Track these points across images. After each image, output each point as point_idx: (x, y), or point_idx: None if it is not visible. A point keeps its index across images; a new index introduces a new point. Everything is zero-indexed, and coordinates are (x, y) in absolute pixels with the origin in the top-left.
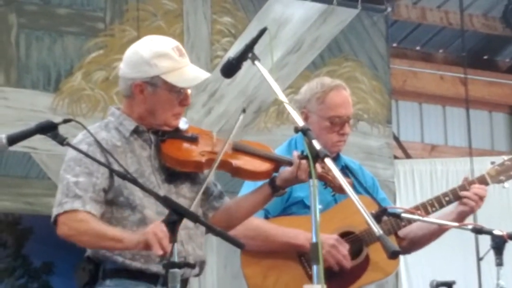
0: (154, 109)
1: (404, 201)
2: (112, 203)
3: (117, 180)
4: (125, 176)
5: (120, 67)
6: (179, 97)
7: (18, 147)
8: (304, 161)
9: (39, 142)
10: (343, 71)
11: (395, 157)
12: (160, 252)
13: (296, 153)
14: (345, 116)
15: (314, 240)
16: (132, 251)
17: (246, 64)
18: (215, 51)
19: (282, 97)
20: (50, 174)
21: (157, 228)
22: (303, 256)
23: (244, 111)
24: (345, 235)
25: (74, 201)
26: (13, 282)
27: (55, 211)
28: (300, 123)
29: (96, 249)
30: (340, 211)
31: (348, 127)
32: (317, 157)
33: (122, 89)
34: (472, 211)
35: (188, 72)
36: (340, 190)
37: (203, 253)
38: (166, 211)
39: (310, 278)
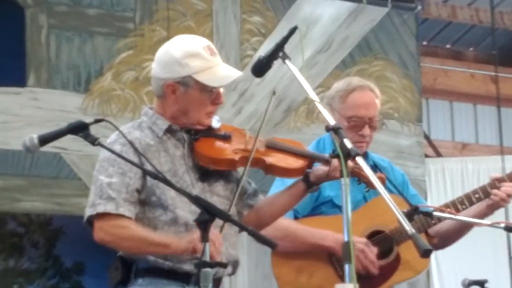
0: (187, 109)
1: (435, 199)
2: (145, 203)
3: (150, 180)
4: (157, 176)
5: (152, 67)
6: (211, 96)
7: (48, 148)
8: (336, 160)
9: (70, 142)
10: (373, 70)
11: (426, 156)
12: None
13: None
14: (365, 117)
15: (346, 239)
16: None
17: (276, 63)
18: (244, 50)
19: (312, 95)
20: (81, 174)
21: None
22: (334, 256)
23: (274, 93)
24: (374, 234)
25: (107, 203)
26: (44, 282)
27: (87, 212)
28: (331, 121)
29: (136, 254)
30: (369, 210)
31: (367, 129)
32: (348, 156)
33: (154, 89)
34: (499, 207)
35: (219, 71)
36: (373, 185)
37: (236, 253)
38: (198, 211)
39: (340, 278)
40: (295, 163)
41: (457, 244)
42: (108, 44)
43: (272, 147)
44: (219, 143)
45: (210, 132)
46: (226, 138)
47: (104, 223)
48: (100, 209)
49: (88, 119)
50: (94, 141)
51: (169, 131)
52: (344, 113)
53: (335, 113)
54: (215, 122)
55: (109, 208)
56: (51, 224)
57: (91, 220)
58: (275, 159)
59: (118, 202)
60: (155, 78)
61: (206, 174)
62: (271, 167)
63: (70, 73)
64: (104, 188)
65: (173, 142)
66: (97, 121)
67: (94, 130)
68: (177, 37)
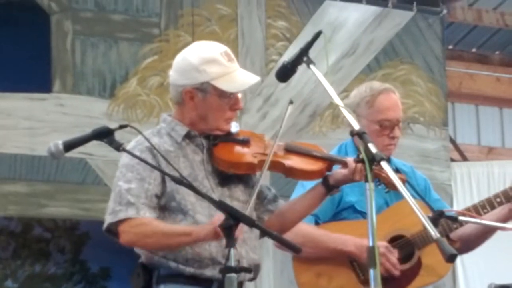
0: (205, 115)
1: (461, 204)
2: (165, 209)
3: (170, 186)
4: (182, 182)
5: (170, 74)
6: (229, 102)
7: (74, 154)
8: (360, 165)
9: (95, 148)
10: (399, 74)
11: (452, 160)
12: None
13: (351, 159)
14: (394, 119)
15: (370, 244)
16: (186, 255)
17: (301, 68)
18: (269, 55)
19: (337, 100)
20: (106, 180)
21: (221, 218)
22: (355, 261)
23: (291, 102)
24: (395, 239)
25: (128, 209)
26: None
27: (108, 219)
28: (356, 126)
29: (163, 249)
30: (391, 215)
31: (398, 130)
32: (373, 160)
33: (173, 96)
34: None
35: (237, 77)
36: (394, 187)
37: (257, 257)
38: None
39: (362, 284)
40: (314, 165)
41: (483, 248)
42: (133, 49)
43: (291, 150)
44: (237, 148)
45: (228, 137)
46: (244, 142)
47: (126, 226)
48: (121, 215)
49: (113, 125)
50: (119, 147)
51: (188, 137)
52: (373, 117)
53: (361, 119)
54: (234, 128)
55: (131, 213)
56: (77, 229)
57: (110, 227)
58: (294, 162)
59: (138, 207)
60: (173, 85)
61: (225, 179)
62: (291, 169)
63: (95, 78)
64: (123, 194)
65: (192, 148)
66: (122, 126)
67: (119, 135)
68: (195, 44)
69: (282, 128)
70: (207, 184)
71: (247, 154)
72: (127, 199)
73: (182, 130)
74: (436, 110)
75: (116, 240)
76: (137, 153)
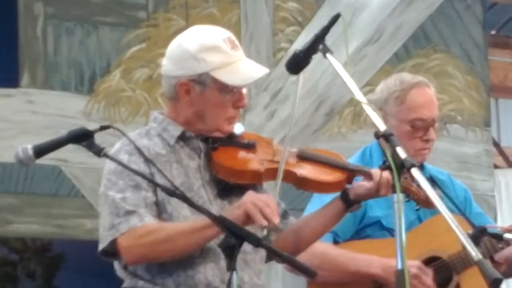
0: (203, 113)
1: (506, 218)
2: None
3: (160, 194)
4: (173, 193)
5: (163, 63)
6: (232, 97)
7: (46, 160)
8: (385, 173)
9: (71, 153)
10: (432, 64)
11: (495, 166)
12: (265, 223)
13: (376, 171)
14: (429, 118)
15: (399, 266)
16: (178, 279)
17: (316, 58)
18: (278, 42)
19: (359, 96)
20: (84, 191)
21: (255, 197)
22: (381, 286)
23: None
24: (430, 261)
25: (129, 219)
26: None
27: (108, 236)
28: (381, 127)
29: (182, 254)
30: (424, 232)
31: (433, 131)
32: (401, 167)
33: (165, 90)
34: None
35: (242, 68)
36: (426, 203)
37: (261, 282)
38: None
39: None
40: (331, 176)
41: None
42: (116, 36)
43: (304, 157)
44: (241, 153)
45: (230, 140)
46: (249, 147)
47: (130, 239)
48: (123, 228)
49: (92, 126)
50: (99, 152)
51: (182, 138)
52: (404, 116)
53: (389, 118)
54: (237, 129)
55: (133, 222)
56: (50, 250)
57: (108, 248)
58: (307, 171)
59: (141, 213)
60: (166, 76)
61: (226, 189)
62: (303, 180)
63: (71, 71)
64: (118, 204)
65: (187, 152)
66: (103, 128)
67: (99, 138)
68: (192, 28)
69: (293, 126)
70: (204, 195)
71: (252, 160)
72: (125, 209)
73: (176, 130)
74: (477, 108)
75: (118, 261)
76: (125, 156)
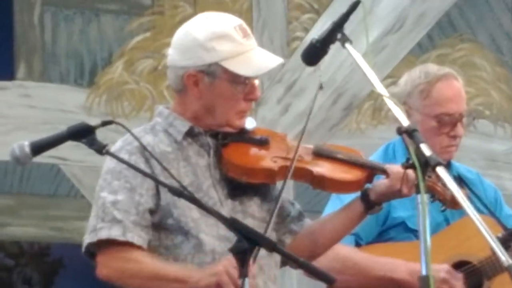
0: (213, 106)
1: None
2: (160, 228)
3: (165, 198)
4: (182, 193)
5: (169, 52)
6: (244, 89)
7: (44, 158)
8: (408, 172)
9: (70, 151)
10: (458, 55)
11: None
12: None
13: (396, 167)
14: (456, 113)
15: (423, 272)
16: None
17: (334, 48)
18: (293, 31)
19: (380, 89)
20: (84, 191)
21: (230, 265)
22: None
23: (321, 87)
24: (459, 266)
25: (111, 227)
26: None
27: (87, 239)
28: (405, 122)
29: None
30: (452, 235)
31: (461, 127)
32: (426, 165)
33: (171, 82)
34: None
35: (254, 58)
36: (453, 204)
37: None
38: (229, 235)
39: None
40: (350, 174)
41: None
42: (118, 24)
43: (321, 154)
44: (253, 150)
45: (242, 136)
46: (262, 143)
47: (107, 255)
48: (103, 234)
49: (93, 121)
50: (101, 149)
51: (190, 134)
52: (430, 111)
53: (414, 113)
54: (249, 124)
55: (114, 233)
56: (48, 255)
57: (91, 250)
58: (324, 169)
59: (126, 226)
60: (172, 67)
61: (237, 189)
62: (320, 179)
63: (71, 62)
64: (107, 208)
65: (196, 149)
66: (105, 123)
67: (101, 135)
68: (200, 15)
69: (309, 121)
70: (214, 195)
71: (265, 158)
72: (112, 215)
73: (183, 126)
74: (506, 101)
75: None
76: (125, 156)
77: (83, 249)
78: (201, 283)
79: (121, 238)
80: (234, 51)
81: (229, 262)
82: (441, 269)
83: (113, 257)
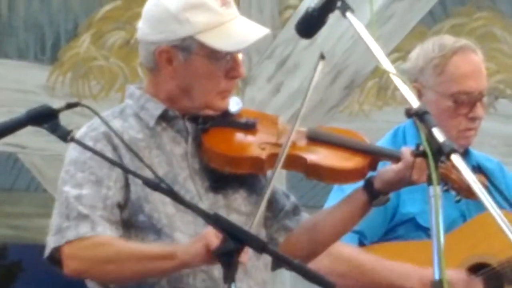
0: (190, 86)
1: None
2: (130, 225)
3: (135, 191)
4: (158, 186)
5: (139, 26)
6: (224, 66)
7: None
8: (419, 160)
9: (30, 137)
10: (475, 25)
11: None
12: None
13: (406, 149)
14: (476, 91)
15: (436, 276)
16: None
17: (333, 17)
18: None
19: (386, 65)
20: (46, 184)
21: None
22: None
23: (322, 57)
24: (477, 268)
25: (78, 225)
26: None
27: (52, 242)
28: (414, 103)
29: (130, 281)
30: (469, 233)
31: (480, 108)
32: (439, 153)
33: (143, 58)
34: None
35: (235, 29)
36: (469, 193)
37: None
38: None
39: None
40: (350, 161)
41: None
42: None
43: (316, 139)
44: (238, 135)
45: (225, 120)
46: (248, 127)
47: (74, 248)
48: (70, 235)
49: (56, 103)
50: (66, 136)
51: (164, 118)
52: (445, 89)
53: (427, 92)
54: (233, 105)
55: (83, 230)
56: (4, 257)
57: (56, 254)
58: (319, 156)
59: (94, 220)
60: (143, 42)
61: (220, 181)
62: (314, 168)
63: (30, 35)
64: (71, 204)
65: (171, 135)
66: (70, 105)
67: (65, 119)
68: None
69: (307, 102)
70: (192, 188)
71: (252, 144)
72: (77, 211)
73: (156, 108)
74: None
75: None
76: (89, 143)
77: (46, 253)
78: (190, 252)
79: (91, 234)
80: (211, 22)
81: (213, 231)
82: (459, 277)
83: (82, 247)
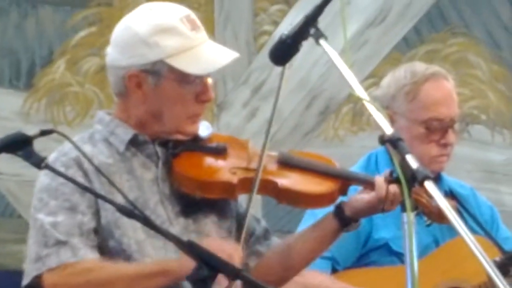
0: (160, 110)
1: None
2: (101, 250)
3: (105, 216)
4: (131, 212)
5: (108, 51)
6: (194, 90)
7: None
8: (392, 190)
9: (5, 163)
10: (449, 51)
11: None
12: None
13: (380, 179)
14: (447, 118)
15: None
16: None
17: (307, 44)
18: (260, 24)
19: (359, 91)
20: (21, 210)
21: (217, 243)
22: None
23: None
24: None
25: (59, 251)
26: None
27: (32, 270)
28: (388, 130)
29: None
30: (442, 257)
31: (452, 134)
32: (413, 180)
33: (112, 84)
34: None
35: (204, 53)
36: (440, 217)
37: None
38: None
39: None
40: (321, 186)
41: None
42: (59, 17)
43: (287, 163)
44: (209, 160)
45: (195, 144)
46: (219, 152)
47: (58, 275)
48: (52, 262)
49: (31, 130)
50: (40, 163)
51: (134, 143)
52: (417, 115)
53: (399, 118)
54: (203, 130)
55: (65, 256)
56: None
57: (34, 282)
58: (290, 180)
59: (74, 245)
60: (112, 67)
61: (190, 206)
62: (285, 192)
63: (5, 61)
64: (47, 231)
65: (141, 160)
66: (45, 132)
67: (39, 144)
68: (144, 6)
69: (281, 126)
70: (162, 213)
71: (222, 169)
72: (55, 237)
73: (126, 133)
74: (505, 104)
75: None
76: (61, 169)
77: (25, 282)
78: (183, 265)
79: (74, 259)
80: (181, 46)
81: (218, 241)
82: None
83: (67, 275)
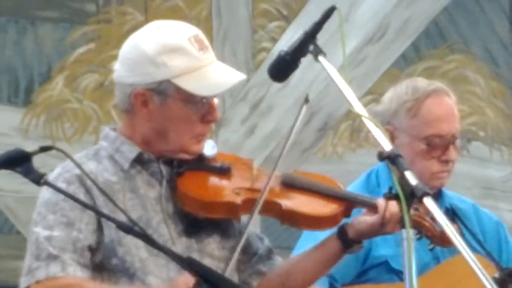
0: (165, 129)
1: None
2: (102, 268)
3: (109, 234)
4: (131, 229)
5: (115, 68)
6: (200, 110)
7: None
8: (391, 204)
9: (3, 180)
10: (448, 67)
11: None
12: None
13: (383, 202)
14: (449, 134)
15: None
16: None
17: (306, 61)
18: (259, 42)
19: (358, 108)
20: (20, 226)
21: (189, 281)
22: None
23: (307, 100)
24: None
25: (49, 265)
26: None
27: (23, 283)
28: (387, 146)
29: None
30: (442, 275)
31: (453, 150)
32: (412, 196)
33: (118, 100)
34: None
35: (212, 74)
36: (442, 241)
37: None
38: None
39: None
40: (325, 208)
41: None
42: (58, 35)
43: (291, 184)
44: (213, 180)
45: (200, 164)
46: (223, 171)
47: (45, 286)
48: (40, 275)
49: (30, 146)
50: (39, 179)
51: (139, 161)
52: (419, 132)
53: (400, 135)
54: (208, 149)
55: (53, 270)
56: None
57: None
58: (294, 202)
59: (64, 261)
60: (119, 84)
61: (193, 225)
62: (290, 214)
63: (3, 77)
64: (41, 244)
65: (145, 178)
66: (44, 149)
67: (39, 161)
68: (152, 24)
69: (280, 144)
70: (165, 232)
71: (226, 189)
72: (47, 251)
73: (131, 151)
74: (503, 120)
75: None
76: (62, 185)
77: None
78: None
79: (61, 274)
80: (188, 66)
81: (187, 279)
82: None
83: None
